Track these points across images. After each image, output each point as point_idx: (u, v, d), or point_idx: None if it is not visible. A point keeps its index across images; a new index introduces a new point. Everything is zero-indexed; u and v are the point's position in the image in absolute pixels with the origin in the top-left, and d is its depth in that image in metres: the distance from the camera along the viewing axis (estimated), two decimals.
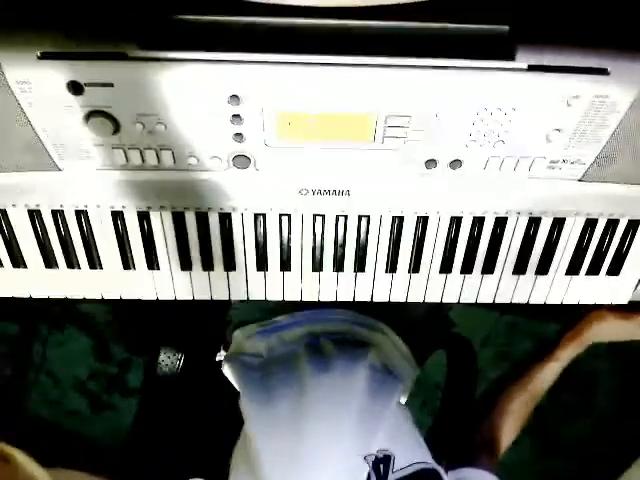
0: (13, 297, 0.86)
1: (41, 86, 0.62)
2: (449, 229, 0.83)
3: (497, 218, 0.82)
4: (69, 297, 0.86)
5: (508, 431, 0.89)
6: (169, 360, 1.09)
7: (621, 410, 1.39)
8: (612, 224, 0.85)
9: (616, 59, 0.65)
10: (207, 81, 0.63)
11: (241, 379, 0.90)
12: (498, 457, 0.87)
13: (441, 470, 0.72)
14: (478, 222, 0.83)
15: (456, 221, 0.82)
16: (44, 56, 0.61)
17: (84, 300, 0.87)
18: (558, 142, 0.71)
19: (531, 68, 0.65)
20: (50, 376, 1.30)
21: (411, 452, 0.73)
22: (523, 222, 0.83)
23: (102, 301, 0.86)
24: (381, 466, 0.69)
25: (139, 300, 0.87)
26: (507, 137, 0.70)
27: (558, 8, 0.66)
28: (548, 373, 0.92)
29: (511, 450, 0.89)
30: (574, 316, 0.92)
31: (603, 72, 0.65)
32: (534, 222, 0.83)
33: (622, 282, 0.90)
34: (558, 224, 0.84)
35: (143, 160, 0.71)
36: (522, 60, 0.64)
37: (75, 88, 0.62)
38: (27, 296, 0.86)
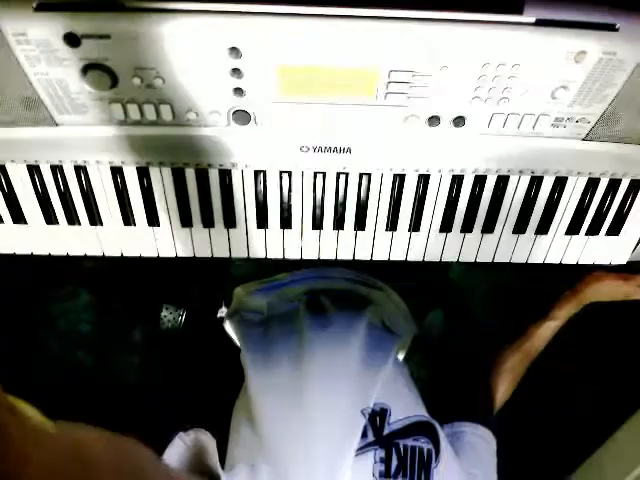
0: (15, 254, 0.86)
1: (37, 38, 0.61)
2: (450, 188, 0.83)
3: (499, 177, 0.82)
4: (70, 254, 0.87)
5: (503, 388, 0.91)
6: (171, 316, 1.11)
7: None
8: (614, 184, 0.85)
9: (625, 16, 0.64)
10: (206, 33, 0.61)
11: (242, 335, 0.91)
12: (493, 413, 0.89)
13: (436, 423, 0.74)
14: (479, 181, 0.82)
15: (457, 179, 0.82)
16: (40, 7, 0.59)
17: (84, 257, 0.87)
18: (563, 99, 0.70)
19: (539, 23, 0.63)
20: (53, 332, 1.32)
21: (407, 406, 0.75)
22: (525, 181, 0.83)
23: (103, 258, 0.87)
24: (377, 418, 0.70)
25: (140, 257, 0.87)
26: (512, 94, 0.69)
27: None
28: (544, 332, 0.93)
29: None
30: (572, 276, 0.93)
31: (612, 28, 0.64)
32: (536, 181, 0.83)
33: (622, 242, 0.91)
34: (560, 183, 0.84)
35: (142, 115, 0.70)
36: (530, 14, 0.63)
37: (71, 40, 0.61)
38: (29, 253, 0.87)
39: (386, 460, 0.66)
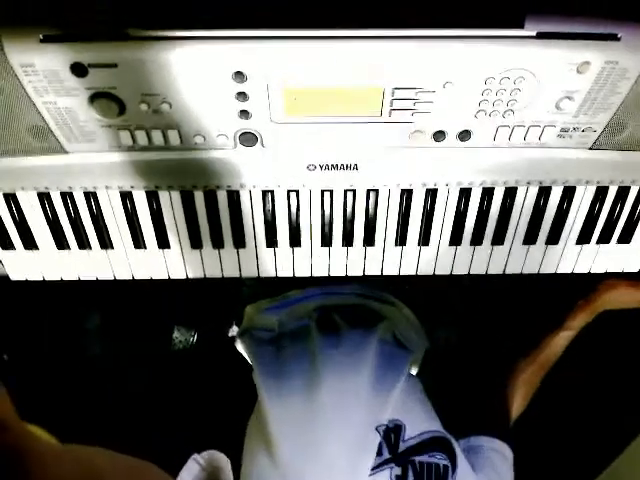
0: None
1: (45, 69, 0.62)
2: (458, 201, 0.82)
3: (507, 188, 0.82)
4: (82, 279, 0.87)
5: (519, 400, 0.90)
6: (182, 337, 1.11)
7: None
8: (623, 192, 0.84)
9: (626, 25, 0.64)
10: (211, 59, 0.62)
11: (254, 353, 0.91)
12: (509, 426, 0.88)
13: (452, 438, 0.74)
14: (488, 193, 0.82)
15: (465, 193, 0.82)
16: (46, 39, 0.60)
17: (97, 281, 0.88)
18: (568, 110, 0.70)
19: (540, 35, 0.63)
20: (63, 354, 1.32)
21: (422, 421, 0.75)
22: (533, 192, 0.83)
23: (114, 281, 0.87)
24: (392, 435, 0.70)
25: (151, 279, 0.88)
26: (516, 106, 0.69)
27: None
28: (559, 342, 0.92)
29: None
30: (585, 286, 0.92)
31: (613, 38, 0.64)
32: (544, 191, 0.83)
33: (633, 250, 0.90)
34: (569, 193, 0.83)
35: (150, 140, 0.71)
36: (531, 28, 0.63)
37: (79, 70, 0.62)
38: (40, 279, 0.87)
39: (402, 478, 0.66)
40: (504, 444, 0.80)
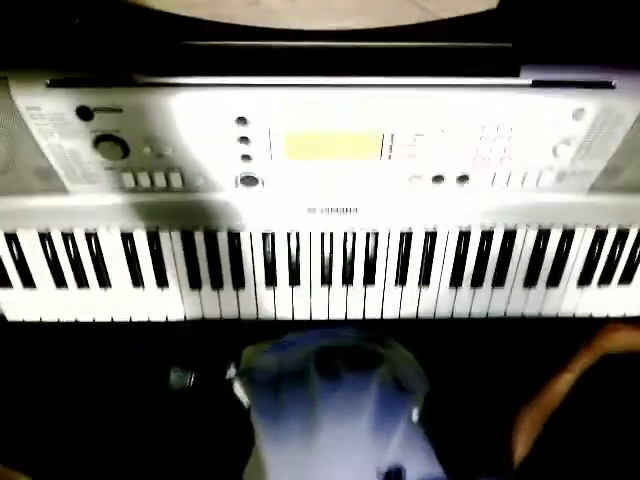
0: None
1: (51, 112, 0.63)
2: (458, 243, 0.83)
3: (506, 231, 0.82)
4: (79, 320, 0.87)
5: (522, 444, 0.89)
6: (179, 379, 1.09)
7: None
8: (622, 234, 0.85)
9: (621, 72, 0.65)
10: (214, 105, 0.63)
11: (252, 395, 0.89)
12: (512, 470, 0.86)
13: None
14: (487, 236, 0.82)
15: (465, 235, 0.82)
16: (53, 83, 0.62)
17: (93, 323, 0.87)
18: (565, 155, 0.71)
19: (535, 84, 0.65)
20: (54, 399, 1.30)
21: (423, 465, 0.73)
22: (532, 234, 0.83)
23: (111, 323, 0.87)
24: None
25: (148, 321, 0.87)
26: (513, 152, 0.70)
27: (560, 23, 0.66)
28: (562, 386, 0.91)
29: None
30: (587, 329, 0.92)
31: (608, 85, 0.65)
32: (543, 234, 0.83)
33: (634, 292, 0.90)
34: (568, 235, 0.84)
35: (152, 182, 0.71)
36: (526, 76, 0.64)
37: (84, 114, 0.63)
38: (37, 319, 0.87)
39: None
40: None
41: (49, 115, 0.63)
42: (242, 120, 0.64)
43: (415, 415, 1.00)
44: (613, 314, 0.91)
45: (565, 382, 0.92)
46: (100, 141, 0.66)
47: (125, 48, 0.63)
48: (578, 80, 0.65)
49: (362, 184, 0.74)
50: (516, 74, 0.64)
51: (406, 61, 0.64)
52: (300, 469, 0.70)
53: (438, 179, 0.73)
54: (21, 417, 1.23)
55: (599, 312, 0.91)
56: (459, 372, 1.05)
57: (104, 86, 0.62)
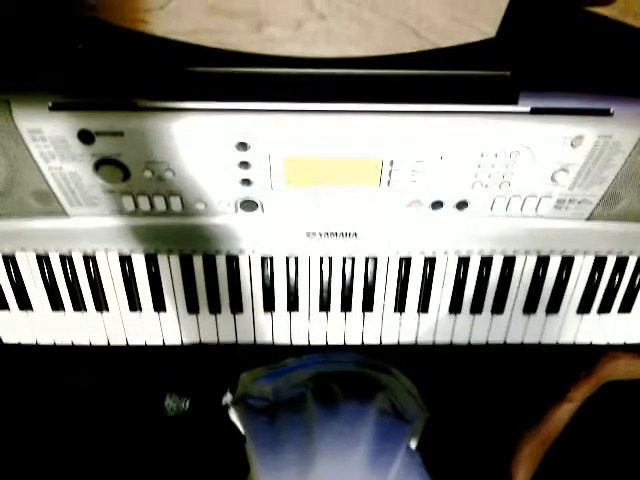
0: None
1: (52, 135, 0.63)
2: (457, 269, 0.83)
3: (505, 257, 0.82)
4: (75, 344, 0.86)
5: (522, 475, 0.87)
6: (175, 404, 1.08)
7: None
8: (621, 262, 0.85)
9: (619, 100, 0.66)
10: (214, 130, 0.64)
11: (247, 423, 0.88)
12: None
13: None
14: (486, 262, 0.82)
15: (464, 261, 0.82)
16: (55, 107, 0.62)
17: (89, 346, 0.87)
18: (564, 182, 0.71)
19: (534, 111, 0.65)
20: (49, 423, 1.29)
21: None
22: (531, 261, 0.83)
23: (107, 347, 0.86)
24: None
25: (145, 345, 0.86)
26: (512, 178, 0.70)
27: (559, 51, 0.67)
28: (562, 415, 0.90)
29: None
30: (588, 357, 0.91)
31: (606, 113, 0.66)
32: (543, 261, 0.83)
33: (635, 320, 0.89)
34: (567, 263, 0.84)
35: (152, 206, 0.71)
36: (525, 103, 0.65)
37: (86, 137, 0.63)
38: (33, 342, 0.86)
39: None
40: None
41: (51, 138, 0.64)
42: (243, 145, 0.65)
43: (414, 444, 0.98)
44: (613, 342, 0.90)
45: (565, 411, 0.90)
46: (101, 165, 0.66)
47: (128, 73, 0.64)
48: (576, 108, 0.66)
49: (361, 209, 0.74)
50: (514, 102, 0.65)
51: (405, 88, 0.64)
52: None
53: (437, 205, 0.73)
54: (14, 439, 1.21)
55: (599, 340, 0.90)
56: (458, 400, 1.04)
57: (106, 110, 0.62)
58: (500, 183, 0.71)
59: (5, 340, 0.86)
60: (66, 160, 0.66)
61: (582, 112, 0.66)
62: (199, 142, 0.65)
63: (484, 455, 0.92)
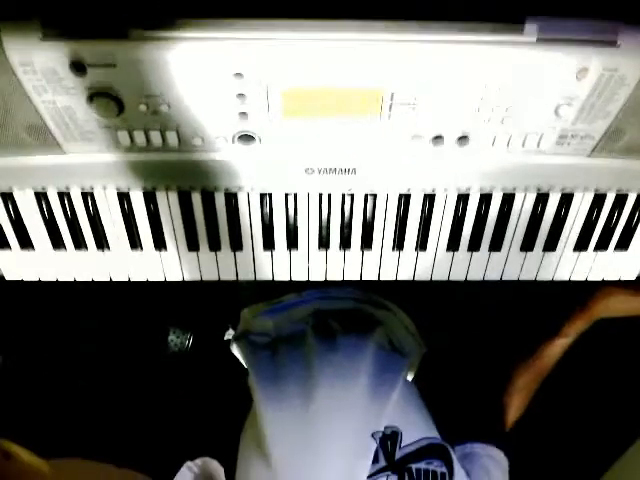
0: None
1: (44, 67, 0.62)
2: (456, 207, 0.82)
3: (505, 194, 0.82)
4: (77, 280, 0.87)
5: (515, 407, 0.90)
6: (178, 340, 1.11)
7: None
8: (621, 199, 0.84)
9: (625, 31, 0.64)
10: (210, 60, 0.62)
11: (249, 358, 0.90)
12: (506, 432, 0.88)
13: (448, 446, 0.73)
14: (485, 199, 0.82)
15: (463, 198, 0.82)
16: (46, 37, 0.60)
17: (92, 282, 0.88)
18: (567, 116, 0.70)
19: (540, 41, 0.63)
20: (53, 358, 1.31)
21: (418, 428, 0.74)
22: (531, 198, 0.83)
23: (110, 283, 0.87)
24: (388, 442, 0.69)
25: (147, 281, 0.87)
26: (515, 112, 0.69)
27: None
28: (556, 350, 0.92)
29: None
30: (582, 293, 0.92)
31: (612, 44, 0.64)
32: (542, 198, 0.83)
33: (630, 257, 0.90)
34: (566, 199, 0.83)
35: (148, 141, 0.70)
36: (530, 33, 0.63)
37: (78, 69, 0.62)
38: (36, 279, 0.87)
39: None
40: (499, 451, 0.80)
41: (42, 71, 0.62)
42: (239, 76, 0.63)
43: (410, 377, 1.01)
44: (608, 278, 0.91)
45: (559, 346, 0.93)
46: (94, 97, 0.65)
47: (118, 1, 0.61)
48: (582, 39, 0.64)
49: (361, 144, 0.73)
50: (520, 31, 0.63)
51: (408, 17, 0.62)
52: (297, 430, 0.70)
53: (438, 139, 0.72)
54: (19, 374, 1.24)
55: (594, 277, 0.91)
56: (455, 335, 1.07)
57: (98, 39, 0.60)
58: (502, 117, 0.69)
59: (7, 277, 0.87)
60: (59, 93, 0.65)
61: (588, 43, 0.64)
62: (194, 73, 0.63)
63: (479, 387, 0.95)
